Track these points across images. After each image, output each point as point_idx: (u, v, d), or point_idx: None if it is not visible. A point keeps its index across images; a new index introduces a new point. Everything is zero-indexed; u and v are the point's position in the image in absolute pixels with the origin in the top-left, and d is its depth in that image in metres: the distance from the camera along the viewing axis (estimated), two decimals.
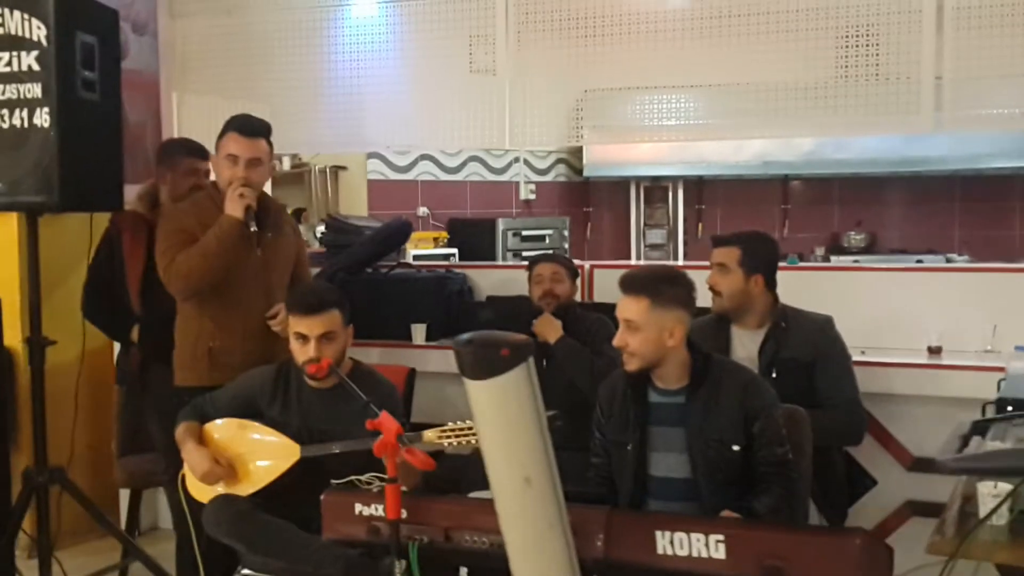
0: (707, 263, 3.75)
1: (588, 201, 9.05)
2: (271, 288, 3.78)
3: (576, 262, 4.45)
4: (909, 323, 4.22)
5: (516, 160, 8.26)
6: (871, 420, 3.84)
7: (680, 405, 2.94)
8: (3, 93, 3.47)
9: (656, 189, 8.86)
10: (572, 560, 2.32)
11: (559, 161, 8.76)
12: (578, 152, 8.57)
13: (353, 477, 2.99)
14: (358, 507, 2.69)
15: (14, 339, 4.38)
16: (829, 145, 7.86)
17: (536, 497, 2.23)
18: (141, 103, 4.98)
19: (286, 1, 4.98)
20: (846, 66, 4.14)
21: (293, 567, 3.15)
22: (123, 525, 4.60)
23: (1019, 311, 4.07)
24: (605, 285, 4.76)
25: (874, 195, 8.31)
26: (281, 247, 3.85)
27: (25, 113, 3.45)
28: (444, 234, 7.15)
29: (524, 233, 7.23)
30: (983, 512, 2.33)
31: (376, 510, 2.66)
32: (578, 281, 4.34)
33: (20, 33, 3.44)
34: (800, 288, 3.85)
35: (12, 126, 3.46)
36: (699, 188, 8.83)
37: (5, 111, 3.47)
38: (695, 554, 2.37)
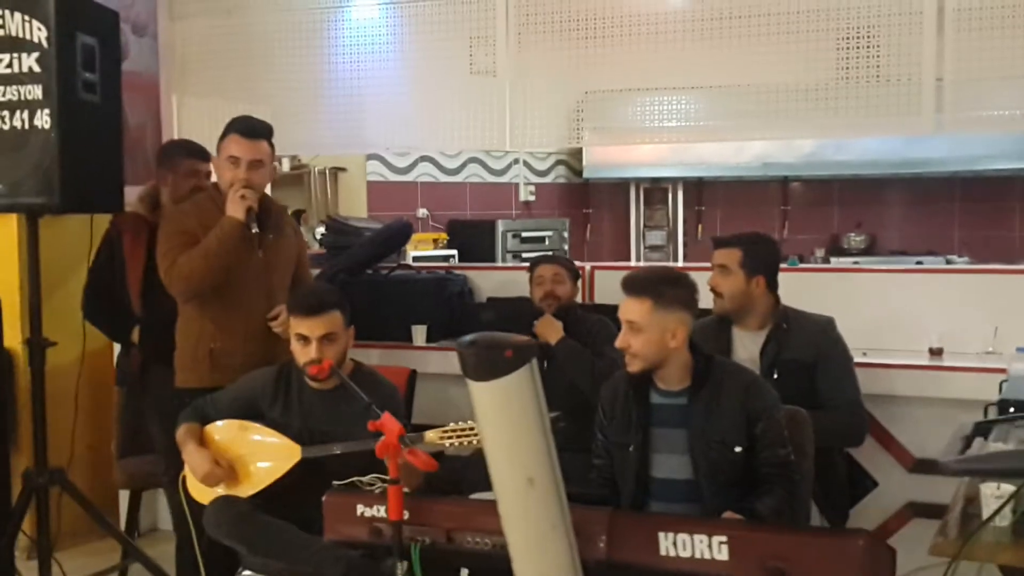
0: (707, 264, 3.75)
1: (588, 202, 9.05)
2: (272, 290, 3.77)
3: (577, 263, 4.44)
4: (910, 324, 4.22)
5: (516, 162, 8.26)
6: (872, 421, 3.84)
7: (682, 406, 2.94)
8: (4, 95, 3.47)
9: (656, 190, 8.87)
10: (575, 561, 2.32)
11: (559, 163, 8.76)
12: (578, 153, 8.57)
13: (355, 478, 2.99)
14: (360, 508, 2.70)
15: (14, 340, 4.39)
16: (829, 147, 7.86)
17: (539, 498, 2.23)
18: (141, 105, 4.98)
19: (286, 2, 4.98)
20: (847, 68, 4.14)
21: (294, 568, 3.15)
22: (123, 526, 4.60)
23: (1020, 312, 4.07)
24: (606, 286, 4.76)
25: (874, 196, 8.32)
26: (282, 249, 3.85)
27: (26, 115, 3.46)
28: (444, 235, 7.15)
29: (524, 234, 7.23)
30: (986, 513, 2.33)
31: (378, 511, 2.66)
32: (579, 282, 4.34)
33: (21, 35, 3.44)
34: (801, 289, 3.84)
35: (13, 127, 3.47)
36: (699, 190, 8.83)
37: (6, 112, 3.47)
38: (698, 555, 2.38)
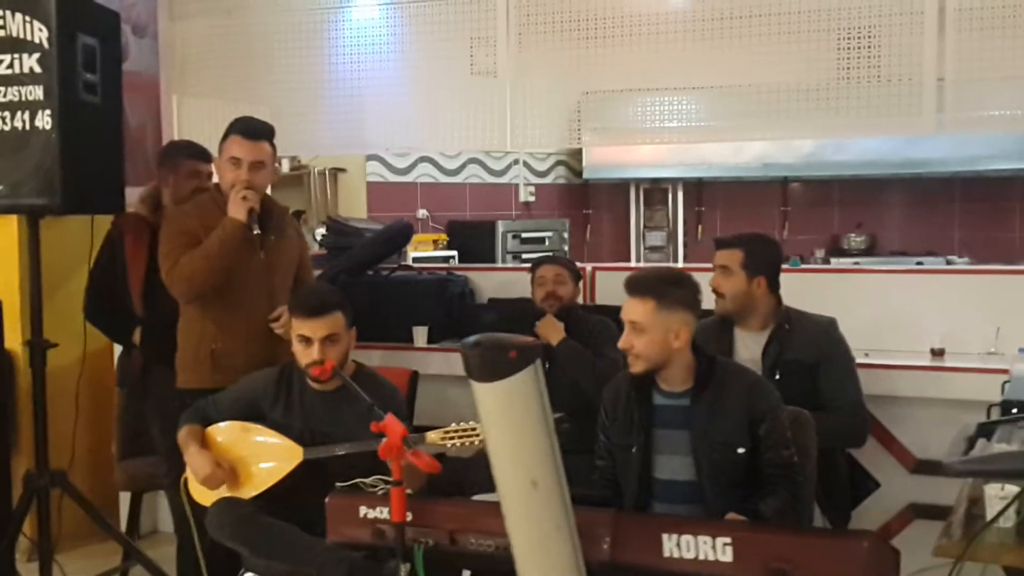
0: (707, 265, 3.75)
1: (588, 203, 9.05)
2: (274, 290, 3.77)
3: (577, 264, 4.44)
4: (912, 325, 4.21)
5: (516, 162, 8.26)
6: (874, 422, 3.83)
7: (685, 408, 2.94)
8: (5, 95, 3.48)
9: (656, 191, 8.86)
10: (578, 563, 2.32)
11: (558, 163, 8.76)
12: (577, 154, 8.56)
13: (358, 480, 2.98)
14: (363, 510, 2.69)
15: (14, 342, 4.39)
16: (829, 147, 7.86)
17: (543, 500, 2.23)
18: (141, 105, 4.97)
19: (286, 3, 4.97)
20: (847, 68, 4.14)
21: (296, 570, 3.14)
22: (123, 528, 4.59)
23: (1022, 313, 4.06)
24: (607, 287, 4.75)
25: (874, 197, 8.31)
26: (284, 250, 3.84)
27: (27, 115, 3.46)
28: (443, 236, 7.14)
29: (524, 235, 7.22)
30: (990, 514, 2.33)
31: (381, 513, 2.66)
32: (580, 283, 4.34)
33: (22, 35, 3.44)
34: (803, 290, 3.84)
35: (14, 128, 3.47)
36: (699, 190, 8.83)
37: (7, 113, 3.47)
38: (702, 557, 2.38)
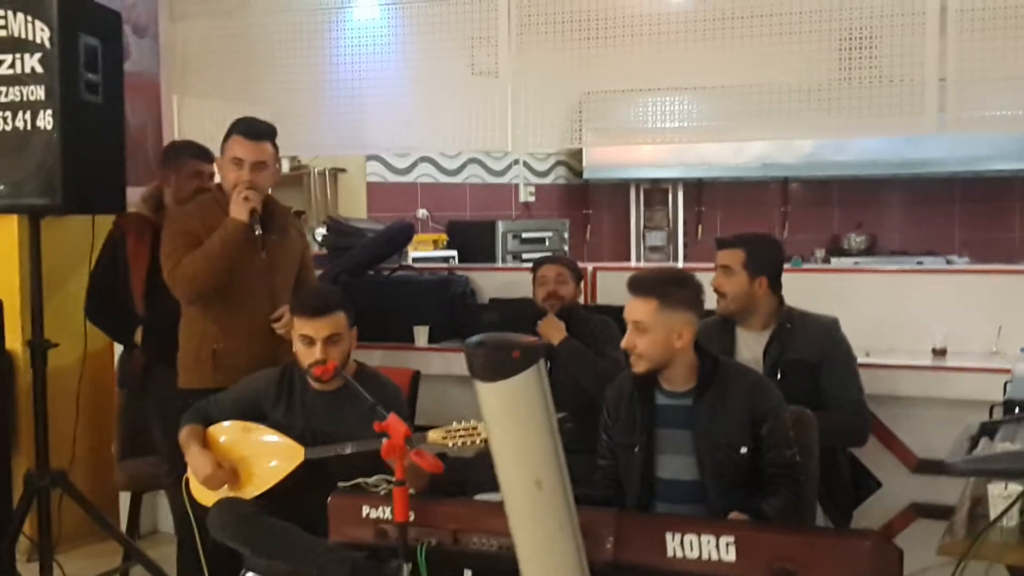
0: (708, 265, 3.76)
1: (588, 203, 9.04)
2: (276, 291, 3.77)
3: (579, 264, 4.44)
4: (914, 325, 4.21)
5: (516, 162, 8.25)
6: (876, 422, 3.84)
7: (687, 407, 2.94)
8: (6, 95, 3.47)
9: (656, 191, 8.86)
10: (582, 562, 2.31)
11: (559, 163, 8.76)
12: (578, 154, 8.56)
13: (361, 480, 2.98)
14: (365, 510, 2.69)
15: (15, 342, 4.39)
16: (829, 147, 7.86)
17: (547, 499, 2.23)
18: (142, 106, 4.96)
19: (287, 3, 4.98)
20: (849, 68, 4.14)
21: (298, 570, 3.14)
22: (123, 529, 4.59)
23: None
24: (608, 287, 4.75)
25: (874, 197, 8.32)
26: (286, 250, 3.84)
27: (28, 115, 3.46)
28: (443, 236, 7.13)
29: (524, 235, 7.20)
30: (994, 514, 2.33)
31: (384, 513, 2.66)
32: (581, 283, 4.34)
33: (23, 35, 3.44)
34: (805, 290, 3.84)
35: (15, 128, 3.47)
36: (699, 190, 8.83)
37: (8, 113, 3.47)
38: (705, 556, 2.38)
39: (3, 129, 3.47)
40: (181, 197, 4.01)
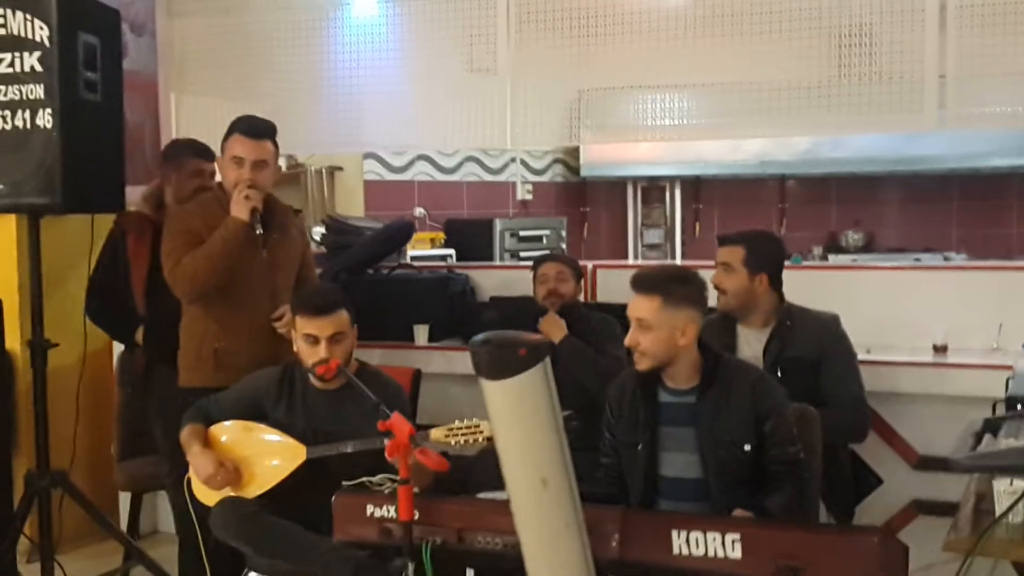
0: (705, 263, 3.76)
1: (585, 201, 9.03)
2: (276, 289, 3.76)
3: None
4: (914, 322, 4.21)
5: (513, 160, 8.23)
6: (877, 419, 3.84)
7: (690, 405, 2.93)
8: (6, 94, 3.46)
9: (653, 189, 8.86)
10: (587, 560, 2.31)
11: (556, 161, 8.75)
12: (575, 152, 8.56)
13: (365, 479, 2.98)
14: (370, 508, 2.69)
15: (14, 342, 4.38)
16: (826, 144, 7.85)
17: (552, 497, 2.23)
18: (139, 104, 4.95)
19: (285, 0, 4.96)
20: (849, 65, 4.14)
21: (301, 569, 3.14)
22: (123, 529, 4.58)
23: None
24: (608, 285, 4.75)
25: (871, 194, 8.31)
26: (287, 248, 3.84)
27: (28, 114, 3.45)
28: (441, 235, 7.11)
29: (521, 233, 7.20)
30: (999, 510, 2.33)
31: (388, 511, 2.65)
32: (582, 281, 4.33)
33: (22, 34, 3.43)
34: (805, 287, 3.84)
35: (15, 127, 3.46)
36: (696, 188, 8.83)
37: (8, 112, 3.46)
38: (711, 554, 2.37)
39: (2, 128, 3.46)
40: (182, 196, 4.00)
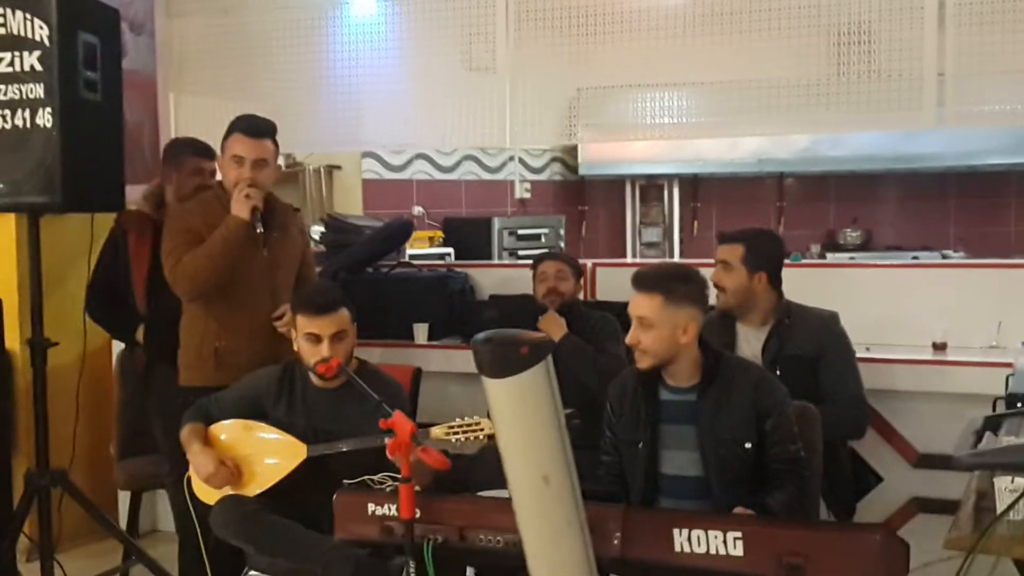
0: (704, 261, 3.77)
1: (583, 200, 9.03)
2: (277, 288, 3.76)
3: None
4: (914, 320, 4.22)
5: (511, 159, 8.24)
6: (876, 417, 3.84)
7: (691, 403, 2.94)
8: (5, 93, 3.45)
9: (651, 187, 8.87)
10: (589, 558, 2.31)
11: (554, 160, 8.75)
12: (573, 151, 8.56)
13: (366, 477, 2.98)
14: (371, 507, 2.68)
15: (14, 341, 4.37)
16: (824, 142, 7.86)
17: (554, 496, 2.23)
18: (139, 103, 4.95)
19: (284, 0, 4.96)
20: (848, 63, 4.14)
21: (301, 567, 3.14)
22: (123, 528, 4.57)
23: None
24: (608, 283, 4.75)
25: (869, 192, 8.32)
26: (287, 247, 3.84)
27: (27, 113, 3.43)
28: (439, 233, 7.12)
29: (520, 232, 7.21)
30: (1001, 507, 2.33)
31: (389, 510, 2.65)
32: (581, 280, 4.33)
33: (22, 33, 3.42)
34: (804, 285, 3.85)
35: (15, 126, 3.44)
36: (694, 186, 8.83)
37: (8, 111, 3.45)
38: (713, 551, 2.37)
39: (2, 127, 3.45)
40: (182, 195, 4.00)
